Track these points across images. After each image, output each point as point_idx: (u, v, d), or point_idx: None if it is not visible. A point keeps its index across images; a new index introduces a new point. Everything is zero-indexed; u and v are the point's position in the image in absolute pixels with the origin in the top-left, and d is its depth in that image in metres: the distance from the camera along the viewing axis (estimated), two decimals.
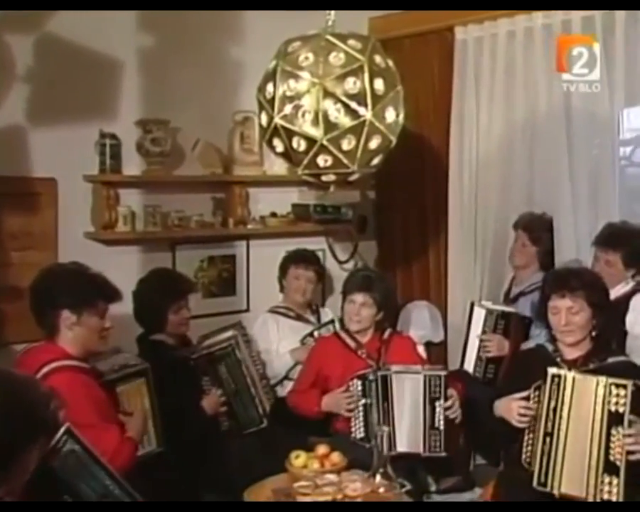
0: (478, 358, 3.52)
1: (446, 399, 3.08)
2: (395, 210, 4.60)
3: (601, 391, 2.49)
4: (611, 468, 2.46)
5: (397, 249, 4.61)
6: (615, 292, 3.27)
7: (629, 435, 2.44)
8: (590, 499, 2.49)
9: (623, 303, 3.32)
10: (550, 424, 2.59)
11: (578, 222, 3.74)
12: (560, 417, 2.58)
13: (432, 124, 4.38)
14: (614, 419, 2.46)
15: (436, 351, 4.31)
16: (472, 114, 4.16)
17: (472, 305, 3.69)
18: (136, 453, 2.63)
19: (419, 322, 4.30)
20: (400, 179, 4.48)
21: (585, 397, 2.55)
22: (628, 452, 2.44)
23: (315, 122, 2.40)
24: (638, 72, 3.53)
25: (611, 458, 2.46)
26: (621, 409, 2.45)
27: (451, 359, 4.14)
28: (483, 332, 3.50)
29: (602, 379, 2.50)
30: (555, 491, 2.57)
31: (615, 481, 2.45)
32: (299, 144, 2.47)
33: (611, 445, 2.46)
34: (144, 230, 3.81)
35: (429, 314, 4.35)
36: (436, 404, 3.08)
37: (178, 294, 3.31)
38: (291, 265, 3.91)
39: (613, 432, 2.46)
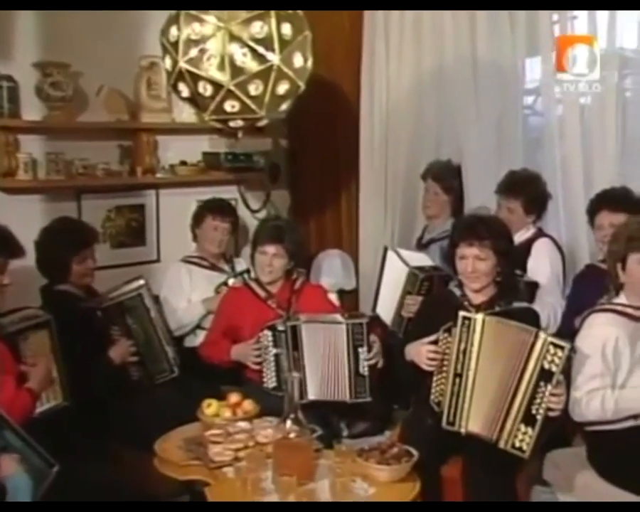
0: (398, 315, 3.52)
1: (369, 345, 3.10)
2: (307, 158, 4.59)
3: (538, 346, 2.54)
4: (529, 420, 2.55)
5: (310, 197, 4.62)
6: (517, 238, 3.37)
7: (554, 394, 2.53)
8: (501, 444, 2.58)
9: (525, 249, 3.44)
10: (459, 366, 2.67)
11: (485, 170, 3.82)
12: (470, 358, 2.65)
13: (343, 71, 4.36)
14: (545, 375, 2.53)
15: (349, 298, 4.36)
16: (382, 63, 4.19)
17: (385, 250, 3.71)
18: (34, 403, 2.57)
19: (331, 270, 4.33)
20: (312, 127, 4.46)
21: (506, 342, 2.62)
22: (549, 409, 2.53)
23: (221, 67, 2.36)
24: (539, 22, 3.61)
25: (533, 410, 2.54)
26: (553, 368, 2.52)
27: (363, 305, 4.21)
28: (407, 293, 3.47)
29: (542, 335, 2.56)
30: (462, 429, 2.66)
31: (530, 432, 2.54)
32: (205, 89, 2.42)
33: (536, 399, 2.54)
34: (46, 178, 3.67)
35: (341, 262, 4.39)
36: (360, 350, 3.09)
37: (81, 244, 3.22)
38: (208, 216, 3.83)
39: (541, 387, 2.53)
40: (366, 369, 3.09)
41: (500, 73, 3.76)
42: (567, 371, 2.59)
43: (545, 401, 2.53)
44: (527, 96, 3.93)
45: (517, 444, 2.57)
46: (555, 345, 2.53)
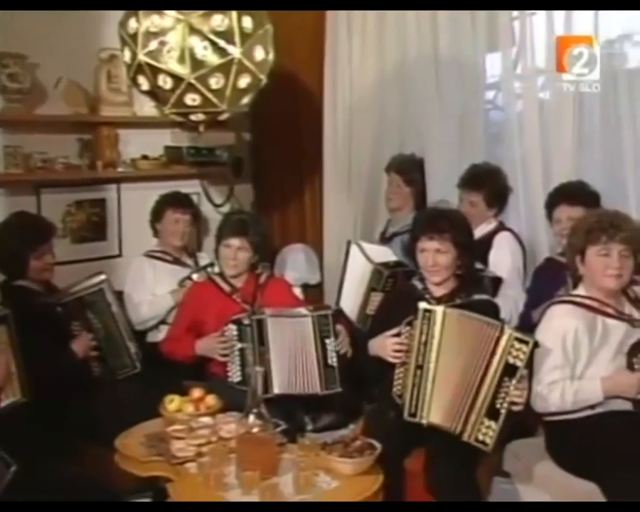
0: (363, 311, 3.50)
1: (335, 335, 3.10)
2: (270, 153, 4.57)
3: (504, 341, 2.55)
4: (493, 414, 2.56)
5: (274, 191, 4.61)
6: (479, 232, 3.41)
7: (518, 389, 2.55)
8: (465, 437, 2.59)
9: (486, 242, 3.47)
10: (420, 357, 2.68)
11: (447, 164, 3.85)
12: (430, 350, 2.66)
13: (307, 65, 4.36)
14: (509, 370, 2.54)
15: (314, 293, 4.36)
16: (345, 57, 4.20)
17: (348, 244, 3.70)
18: None
19: (296, 265, 4.33)
20: (276, 121, 4.45)
21: (469, 335, 2.62)
22: (512, 403, 2.56)
23: (181, 60, 2.34)
24: (498, 18, 3.65)
25: (497, 405, 2.55)
26: (518, 363, 2.53)
27: (328, 299, 4.21)
28: (372, 289, 3.46)
29: (507, 330, 2.57)
30: (424, 421, 2.67)
31: (493, 426, 2.56)
32: (165, 82, 2.40)
33: (500, 393, 2.55)
34: (4, 172, 3.60)
35: (305, 257, 4.38)
36: (327, 341, 3.09)
37: (39, 239, 3.18)
38: (169, 209, 3.80)
39: (505, 381, 2.55)
40: (335, 360, 3.09)
41: (462, 69, 3.80)
42: (530, 364, 2.61)
43: (509, 395, 2.55)
44: (488, 91, 3.97)
45: (480, 438, 2.58)
46: (520, 341, 2.54)
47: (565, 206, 3.20)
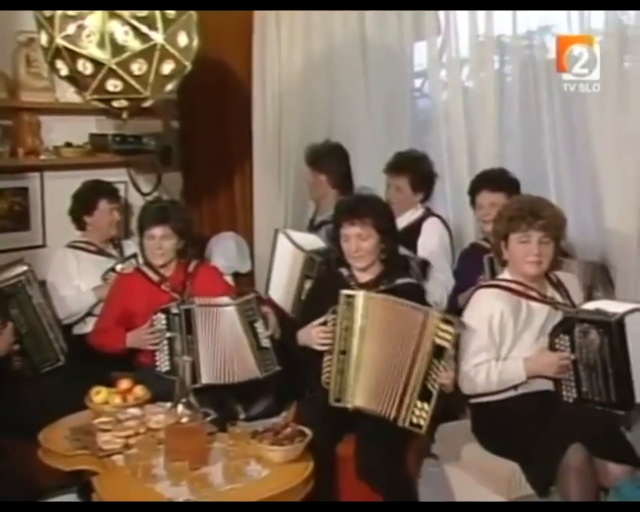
0: (299, 300, 3.46)
1: (263, 317, 3.12)
2: (199, 140, 4.51)
3: (430, 324, 2.60)
4: (425, 395, 2.61)
5: (203, 180, 4.55)
6: (406, 218, 3.46)
7: (446, 370, 2.60)
8: (400, 422, 2.64)
9: (415, 229, 3.51)
10: (343, 343, 2.71)
11: (375, 150, 3.88)
12: (352, 335, 2.70)
13: (235, 52, 4.33)
14: (437, 352, 2.60)
15: (244, 281, 4.34)
16: (273, 44, 4.19)
17: (276, 233, 3.68)
18: None
19: (226, 253, 4.29)
20: (204, 108, 4.40)
21: (396, 319, 2.66)
22: (442, 384, 2.61)
23: (101, 44, 2.29)
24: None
25: (429, 386, 2.60)
26: (445, 344, 2.59)
27: (259, 287, 4.19)
28: (306, 277, 3.43)
29: (434, 313, 2.62)
30: (349, 405, 2.70)
31: (426, 408, 2.61)
32: (85, 67, 2.34)
33: (431, 375, 2.61)
34: None
35: (236, 245, 4.35)
36: (256, 325, 3.11)
37: None
38: (102, 200, 3.72)
39: (434, 363, 2.60)
40: (268, 341, 3.12)
41: (389, 57, 3.83)
42: (457, 345, 2.67)
43: (439, 376, 2.60)
44: (416, 79, 4.01)
45: (414, 421, 2.63)
46: (446, 322, 2.60)
47: (486, 192, 3.28)
